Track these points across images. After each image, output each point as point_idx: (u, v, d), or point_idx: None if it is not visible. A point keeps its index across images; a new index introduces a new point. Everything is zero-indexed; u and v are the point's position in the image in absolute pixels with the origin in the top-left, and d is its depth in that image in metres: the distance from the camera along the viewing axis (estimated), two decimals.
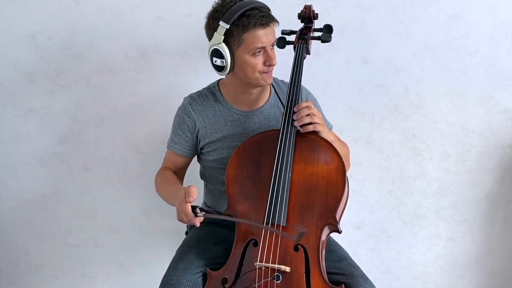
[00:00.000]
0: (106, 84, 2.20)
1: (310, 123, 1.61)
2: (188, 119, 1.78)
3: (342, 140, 1.93)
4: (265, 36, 1.61)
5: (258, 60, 1.64)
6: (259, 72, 1.66)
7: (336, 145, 1.66)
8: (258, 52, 1.63)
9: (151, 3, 2.12)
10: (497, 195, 2.25)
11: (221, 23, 1.59)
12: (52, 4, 2.13)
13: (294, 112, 1.63)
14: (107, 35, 2.15)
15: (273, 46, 1.67)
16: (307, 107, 1.62)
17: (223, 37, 1.60)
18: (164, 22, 2.14)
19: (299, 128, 1.62)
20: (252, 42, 1.60)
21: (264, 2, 1.68)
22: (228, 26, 1.58)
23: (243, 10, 1.58)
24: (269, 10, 1.66)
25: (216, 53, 1.64)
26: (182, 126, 1.80)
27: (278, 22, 1.67)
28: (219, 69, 1.67)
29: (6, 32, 2.16)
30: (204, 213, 1.52)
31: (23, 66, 2.19)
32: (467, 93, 2.16)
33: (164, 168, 1.87)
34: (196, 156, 1.90)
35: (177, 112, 1.83)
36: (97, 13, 2.13)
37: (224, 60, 1.63)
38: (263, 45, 1.62)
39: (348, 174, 1.65)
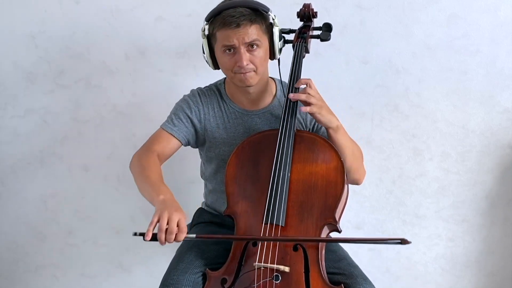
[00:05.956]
0: (106, 84, 2.20)
1: (306, 102, 1.59)
2: (194, 106, 1.77)
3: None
4: (234, 35, 1.59)
5: (228, 59, 1.64)
6: (232, 71, 1.65)
7: (348, 144, 1.67)
8: (228, 50, 1.62)
9: (151, 3, 2.12)
10: (497, 195, 2.24)
11: (204, 21, 1.65)
12: (52, 4, 2.13)
13: (296, 89, 1.66)
14: (107, 35, 2.15)
15: (251, 46, 1.62)
16: (306, 84, 1.63)
17: (205, 33, 1.65)
18: (164, 22, 2.14)
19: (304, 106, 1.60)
20: (221, 40, 1.62)
21: (260, 2, 1.66)
22: (207, 24, 1.64)
23: (220, 9, 1.61)
24: (251, 9, 1.61)
25: (202, 49, 1.70)
26: (186, 110, 1.76)
27: (257, 23, 1.62)
28: (208, 64, 1.71)
29: (6, 32, 2.16)
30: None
31: (23, 66, 2.19)
32: (467, 93, 2.16)
33: (152, 151, 1.71)
34: (199, 153, 1.90)
35: (184, 98, 1.80)
36: (97, 13, 2.13)
37: (205, 55, 1.69)
38: (231, 43, 1.60)
39: None
